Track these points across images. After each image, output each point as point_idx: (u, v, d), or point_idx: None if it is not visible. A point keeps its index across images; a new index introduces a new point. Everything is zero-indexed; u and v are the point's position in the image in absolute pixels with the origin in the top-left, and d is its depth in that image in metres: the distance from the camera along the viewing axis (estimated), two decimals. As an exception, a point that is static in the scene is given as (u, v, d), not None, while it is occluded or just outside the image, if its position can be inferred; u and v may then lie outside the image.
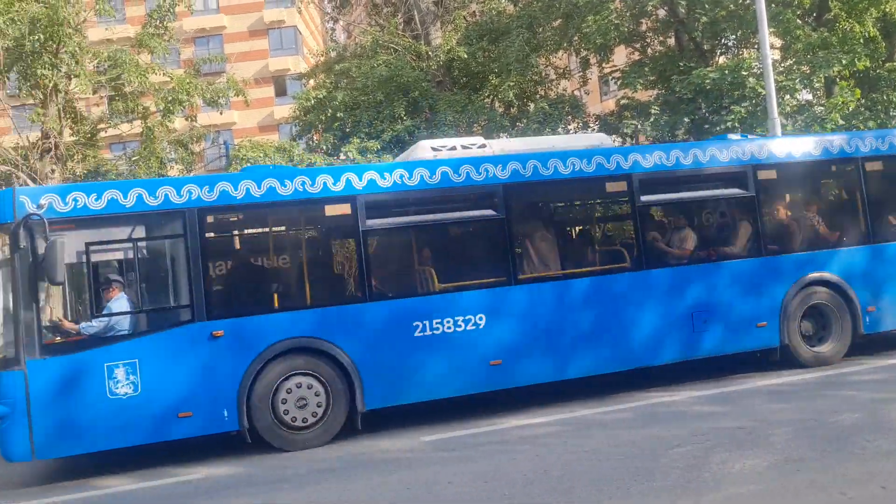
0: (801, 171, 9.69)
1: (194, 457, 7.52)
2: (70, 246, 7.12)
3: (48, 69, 15.77)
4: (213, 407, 7.40)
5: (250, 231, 8.75)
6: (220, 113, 20.20)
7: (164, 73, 18.06)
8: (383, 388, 7.86)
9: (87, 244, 7.27)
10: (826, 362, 9.21)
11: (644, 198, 8.94)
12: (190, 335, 7.44)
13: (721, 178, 9.36)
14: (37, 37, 15.04)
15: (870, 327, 9.38)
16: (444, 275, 8.43)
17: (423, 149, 8.94)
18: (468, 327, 8.19)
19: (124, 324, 7.40)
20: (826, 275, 9.30)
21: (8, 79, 17.33)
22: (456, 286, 8.41)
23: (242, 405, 7.43)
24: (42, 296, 7.50)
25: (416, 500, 5.66)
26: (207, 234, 7.70)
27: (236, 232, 8.59)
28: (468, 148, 8.93)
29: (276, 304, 7.98)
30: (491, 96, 18.71)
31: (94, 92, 18.02)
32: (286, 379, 7.59)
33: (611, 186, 9.09)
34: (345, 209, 8.01)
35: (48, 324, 7.50)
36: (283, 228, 8.70)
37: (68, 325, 7.44)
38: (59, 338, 7.39)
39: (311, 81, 22.49)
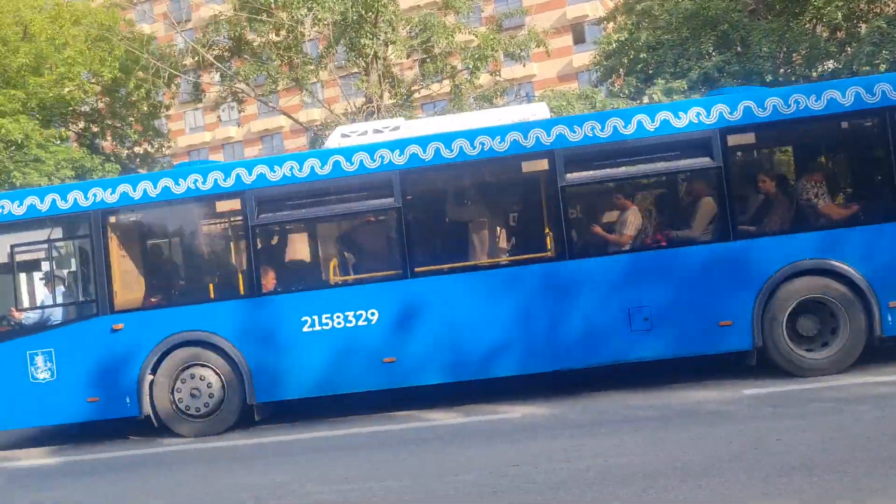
0: (793, 132, 7.97)
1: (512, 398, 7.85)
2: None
3: (369, 38, 17.29)
4: (117, 393, 7.98)
5: (149, 229, 8.96)
6: (523, 65, 20.60)
7: (468, 32, 18.84)
8: (272, 381, 7.85)
9: (12, 246, 8.20)
10: (822, 371, 7.34)
11: (570, 176, 7.73)
12: (95, 328, 8.03)
13: (676, 147, 7.77)
14: (357, 9, 16.59)
15: (893, 329, 7.29)
16: (338, 269, 8.18)
17: (335, 136, 8.54)
18: (359, 323, 7.76)
19: (44, 316, 8.35)
20: (827, 261, 7.37)
21: (336, 51, 19.32)
22: (347, 280, 8.12)
23: (144, 393, 7.94)
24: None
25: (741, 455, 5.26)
26: (110, 234, 8.22)
27: (136, 231, 8.84)
28: (380, 132, 8.23)
29: (172, 299, 8.47)
30: (813, 20, 16.56)
31: (408, 56, 19.49)
32: (185, 369, 7.93)
33: (528, 166, 7.86)
34: (235, 205, 7.97)
35: None
36: (178, 226, 8.79)
37: None
38: None
39: (610, 25, 21.88)
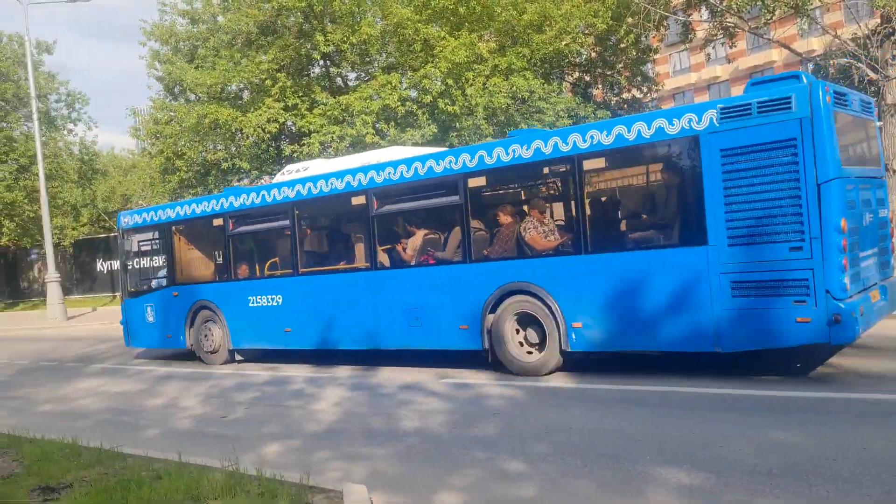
0: (509, 176, 9.62)
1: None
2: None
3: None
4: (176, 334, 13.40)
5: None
6: None
7: None
8: (236, 334, 12.34)
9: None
10: (531, 373, 9.05)
11: (378, 209, 10.42)
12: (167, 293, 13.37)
13: (439, 187, 9.78)
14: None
15: (577, 345, 8.67)
16: (267, 267, 12.22)
17: (282, 175, 12.43)
18: (273, 303, 11.69)
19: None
20: (529, 284, 8.96)
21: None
22: (269, 274, 12.07)
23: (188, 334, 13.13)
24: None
25: None
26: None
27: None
28: (300, 172, 12.08)
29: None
30: None
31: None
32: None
33: (355, 200, 10.65)
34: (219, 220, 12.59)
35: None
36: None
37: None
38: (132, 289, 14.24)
39: None
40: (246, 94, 26.34)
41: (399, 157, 10.53)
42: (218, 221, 12.45)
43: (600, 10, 23.32)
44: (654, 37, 25.40)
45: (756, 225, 7.38)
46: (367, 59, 24.83)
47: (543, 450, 6.08)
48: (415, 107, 22.02)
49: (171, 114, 26.36)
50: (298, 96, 23.30)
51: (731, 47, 23.93)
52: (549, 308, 8.75)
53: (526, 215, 9.36)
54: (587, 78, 27.32)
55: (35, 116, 27.10)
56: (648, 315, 8.08)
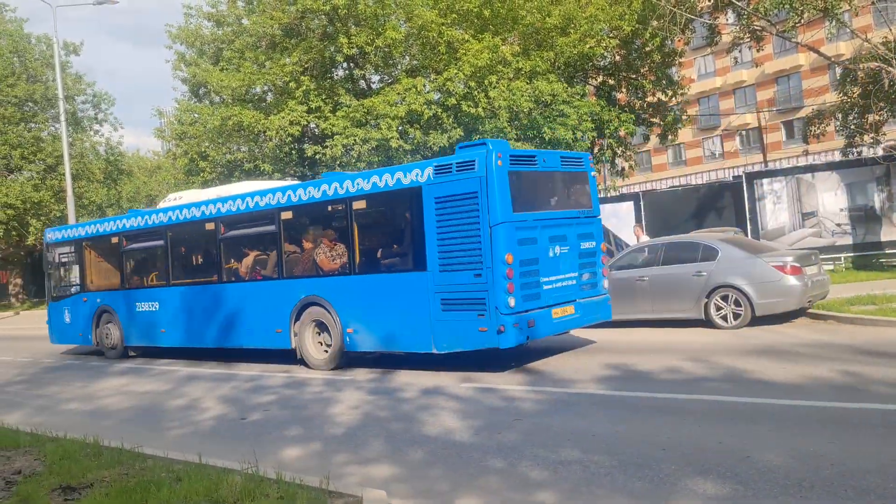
0: (308, 212, 11.94)
1: None
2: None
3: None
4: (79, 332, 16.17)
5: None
6: None
7: None
8: (128, 334, 14.99)
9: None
10: (323, 367, 11.38)
11: (223, 234, 13.05)
12: (78, 298, 16.04)
13: (263, 218, 12.31)
14: None
15: (351, 346, 11.01)
16: (151, 278, 14.79)
17: (165, 201, 15.19)
18: (152, 309, 14.31)
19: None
20: (318, 297, 11.35)
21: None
22: (150, 284, 14.67)
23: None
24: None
25: None
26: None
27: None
28: (174, 200, 14.80)
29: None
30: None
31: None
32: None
33: (208, 226, 13.25)
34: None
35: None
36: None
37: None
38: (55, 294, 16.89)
39: None
40: (270, 97, 26.46)
41: (245, 191, 12.90)
42: (115, 240, 15.15)
43: (626, 13, 23.15)
44: (679, 40, 25.16)
45: (456, 256, 9.58)
46: (391, 62, 24.84)
47: (566, 457, 5.99)
48: (439, 110, 21.98)
49: (195, 115, 26.56)
50: (322, 99, 23.36)
51: (757, 51, 23.61)
52: (333, 317, 11.10)
53: (320, 242, 11.61)
54: (611, 81, 27.11)
55: (62, 118, 27.44)
56: (392, 323, 10.40)
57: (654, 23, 22.86)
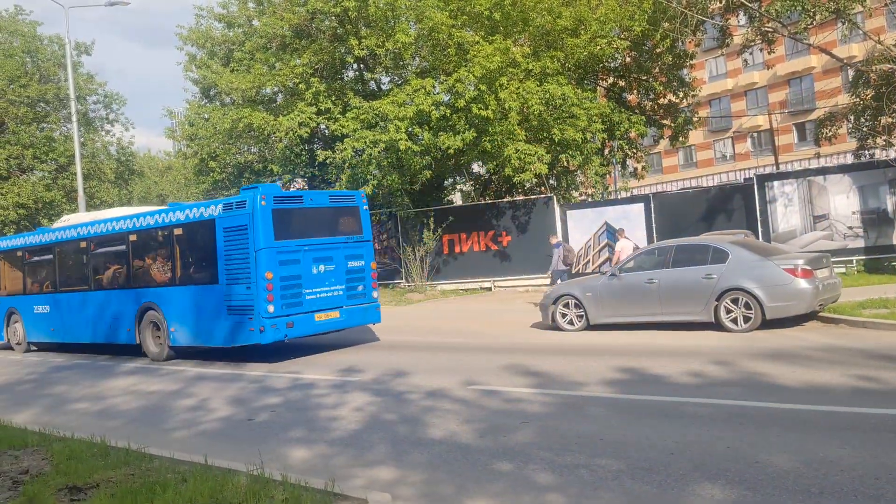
0: (147, 235, 14.71)
1: None
2: None
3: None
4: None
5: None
6: None
7: None
8: (29, 332, 17.77)
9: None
10: (158, 359, 14.24)
11: (93, 251, 16.02)
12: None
13: (118, 238, 15.23)
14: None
15: (174, 342, 13.87)
16: (45, 286, 17.46)
17: (60, 221, 18.31)
18: (45, 311, 17.07)
19: None
20: (152, 303, 14.22)
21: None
22: (44, 291, 17.38)
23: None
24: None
25: None
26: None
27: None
28: (65, 220, 18.04)
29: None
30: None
31: None
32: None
33: (82, 244, 16.26)
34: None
35: None
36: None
37: None
38: None
39: None
40: (280, 98, 26.52)
41: (111, 216, 15.81)
42: (20, 253, 18.23)
43: (636, 14, 23.04)
44: (690, 42, 25.04)
45: (235, 273, 12.45)
46: (401, 63, 24.83)
47: (574, 460, 5.94)
48: (448, 111, 21.94)
49: (205, 116, 26.64)
50: (331, 100, 23.38)
51: (769, 53, 23.46)
52: (162, 319, 13.96)
53: (155, 259, 14.59)
54: (621, 83, 27.01)
55: (74, 118, 27.59)
56: (199, 324, 13.34)
57: (665, 24, 22.73)
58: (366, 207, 13.92)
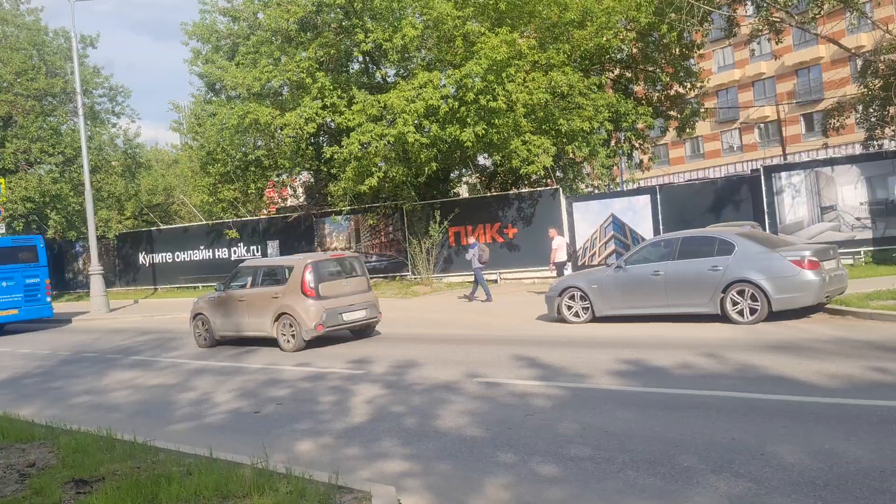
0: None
1: None
2: None
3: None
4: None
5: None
6: None
7: None
8: None
9: None
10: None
11: None
12: None
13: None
14: None
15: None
16: None
17: None
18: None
19: None
20: None
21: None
22: None
23: None
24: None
25: None
26: None
27: None
28: None
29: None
30: None
31: None
32: None
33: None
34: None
35: None
36: None
37: None
38: None
39: None
40: (286, 91, 26.50)
41: None
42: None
43: (642, 5, 22.90)
44: (697, 32, 24.89)
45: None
46: (407, 56, 24.74)
47: (578, 452, 5.94)
48: (456, 104, 21.86)
49: (210, 110, 26.64)
50: (337, 94, 23.34)
51: (776, 43, 23.30)
52: None
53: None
54: (628, 74, 26.88)
55: (80, 111, 27.64)
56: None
57: (672, 15, 22.58)
58: (43, 246, 22.58)
